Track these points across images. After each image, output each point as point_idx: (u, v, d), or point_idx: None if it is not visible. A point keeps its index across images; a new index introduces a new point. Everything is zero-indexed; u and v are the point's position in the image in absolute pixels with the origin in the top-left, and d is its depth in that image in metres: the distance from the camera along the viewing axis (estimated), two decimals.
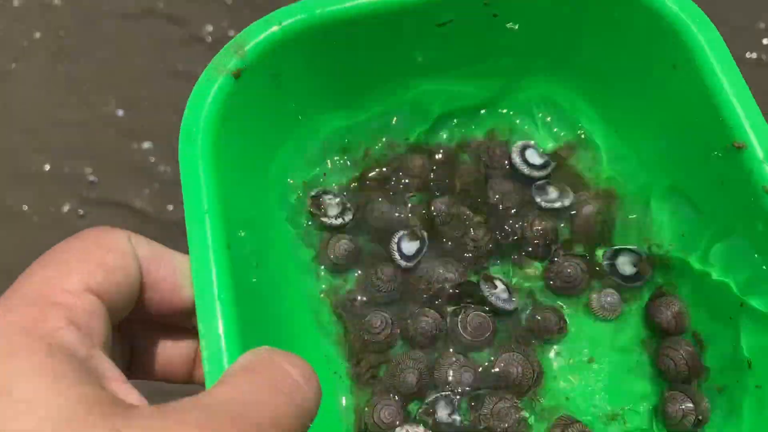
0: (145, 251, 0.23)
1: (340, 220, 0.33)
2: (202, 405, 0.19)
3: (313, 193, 0.33)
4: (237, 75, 0.27)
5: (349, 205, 0.34)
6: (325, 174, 0.34)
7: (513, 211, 0.34)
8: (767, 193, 0.26)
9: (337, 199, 0.33)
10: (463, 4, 0.30)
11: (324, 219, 0.33)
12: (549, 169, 0.34)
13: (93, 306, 0.21)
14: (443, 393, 0.31)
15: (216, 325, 0.23)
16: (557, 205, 0.34)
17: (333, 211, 0.33)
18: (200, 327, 0.23)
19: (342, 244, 0.32)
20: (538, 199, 0.34)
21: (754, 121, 0.27)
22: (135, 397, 0.20)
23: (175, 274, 0.24)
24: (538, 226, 0.33)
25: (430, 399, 0.31)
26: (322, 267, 0.33)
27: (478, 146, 0.35)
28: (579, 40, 0.33)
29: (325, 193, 0.34)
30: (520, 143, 0.35)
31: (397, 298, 0.33)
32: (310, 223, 0.33)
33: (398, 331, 0.32)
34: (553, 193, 0.34)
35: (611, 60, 0.33)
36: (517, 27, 0.32)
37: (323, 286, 0.33)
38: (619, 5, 0.30)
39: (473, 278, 0.33)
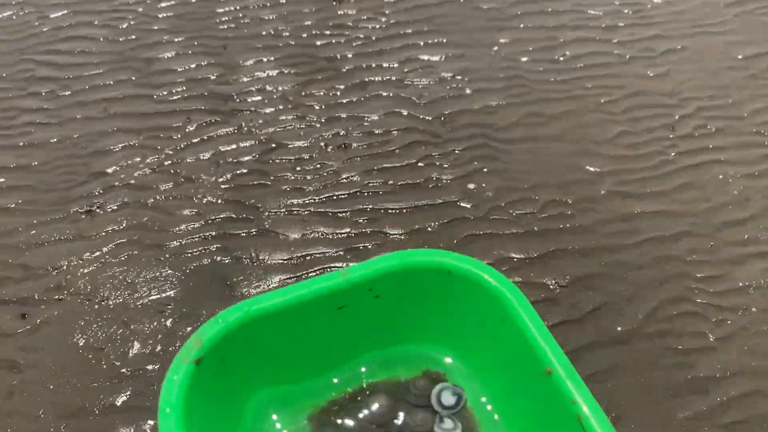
0: None
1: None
2: None
3: None
4: (197, 362, 0.38)
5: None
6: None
7: None
8: (573, 403, 0.38)
9: None
10: (354, 291, 0.43)
11: None
12: (459, 407, 0.45)
13: None
14: None
15: None
16: None
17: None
18: None
19: None
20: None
21: (555, 352, 0.40)
22: None
23: None
24: None
25: None
26: None
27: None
28: (444, 307, 0.46)
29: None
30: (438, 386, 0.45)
31: None
32: None
33: None
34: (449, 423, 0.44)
35: (463, 320, 0.46)
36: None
37: None
38: (464, 285, 0.44)
39: None
